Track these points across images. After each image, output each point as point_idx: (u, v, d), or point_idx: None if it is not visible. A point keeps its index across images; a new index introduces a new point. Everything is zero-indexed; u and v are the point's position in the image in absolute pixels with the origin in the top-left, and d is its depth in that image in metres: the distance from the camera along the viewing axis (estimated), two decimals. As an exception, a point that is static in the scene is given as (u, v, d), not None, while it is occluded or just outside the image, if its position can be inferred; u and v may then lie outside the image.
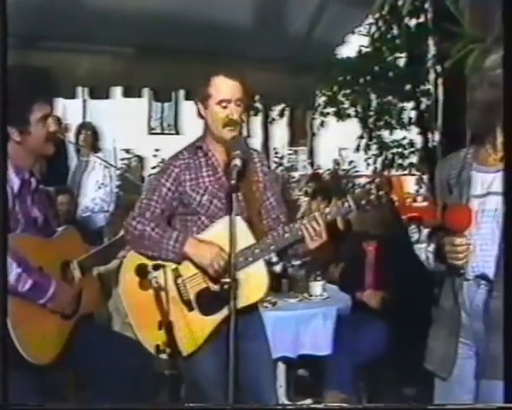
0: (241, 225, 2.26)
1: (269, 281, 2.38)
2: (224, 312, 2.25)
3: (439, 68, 3.91)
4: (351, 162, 13.73)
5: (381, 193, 2.34)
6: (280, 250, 2.41)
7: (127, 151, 12.21)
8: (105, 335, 2.63)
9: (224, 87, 2.38)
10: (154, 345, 2.29)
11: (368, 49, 9.01)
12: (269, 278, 2.38)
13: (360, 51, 9.00)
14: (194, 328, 2.36)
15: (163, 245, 2.39)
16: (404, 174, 11.49)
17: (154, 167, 11.43)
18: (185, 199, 2.43)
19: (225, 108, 2.37)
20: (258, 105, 9.04)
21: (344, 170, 13.49)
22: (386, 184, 2.43)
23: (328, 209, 2.37)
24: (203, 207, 2.43)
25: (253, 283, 2.34)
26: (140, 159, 8.71)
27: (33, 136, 2.34)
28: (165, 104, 16.03)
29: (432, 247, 2.13)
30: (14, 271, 2.21)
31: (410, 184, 13.61)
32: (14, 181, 2.32)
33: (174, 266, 2.40)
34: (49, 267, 2.36)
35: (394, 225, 3.93)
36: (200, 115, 2.47)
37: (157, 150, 11.95)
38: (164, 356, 2.19)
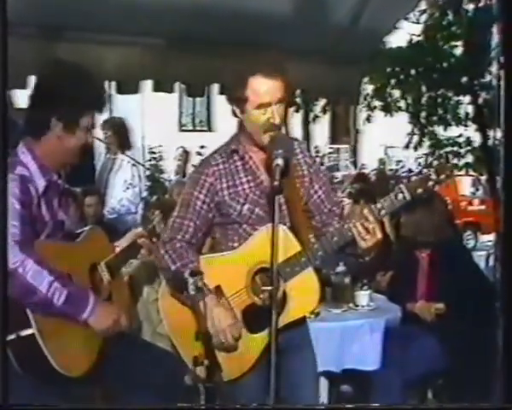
0: (283, 232, 2.19)
1: (320, 291, 2.30)
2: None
3: (502, 59, 3.84)
4: (399, 162, 13.62)
5: (441, 177, 2.27)
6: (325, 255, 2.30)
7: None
8: (136, 345, 2.67)
9: (263, 89, 2.26)
10: (192, 357, 2.23)
11: (420, 38, 8.93)
12: (320, 288, 2.30)
13: (411, 40, 8.92)
14: (243, 349, 2.30)
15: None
16: (460, 175, 11.34)
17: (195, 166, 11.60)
18: (223, 209, 2.37)
19: (265, 112, 2.28)
20: (298, 101, 9.04)
21: (391, 170, 13.39)
22: (446, 168, 2.43)
23: (379, 204, 2.25)
24: (243, 217, 2.36)
25: (303, 294, 2.29)
26: (186, 153, 8.84)
27: (76, 138, 2.39)
28: (197, 99, 16.17)
29: None
30: (45, 279, 2.19)
31: (465, 185, 13.43)
32: (40, 182, 2.36)
33: (215, 284, 2.30)
34: (76, 272, 2.38)
35: (449, 230, 3.89)
36: (235, 115, 2.39)
37: (202, 147, 12.07)
38: (201, 369, 2.17)
